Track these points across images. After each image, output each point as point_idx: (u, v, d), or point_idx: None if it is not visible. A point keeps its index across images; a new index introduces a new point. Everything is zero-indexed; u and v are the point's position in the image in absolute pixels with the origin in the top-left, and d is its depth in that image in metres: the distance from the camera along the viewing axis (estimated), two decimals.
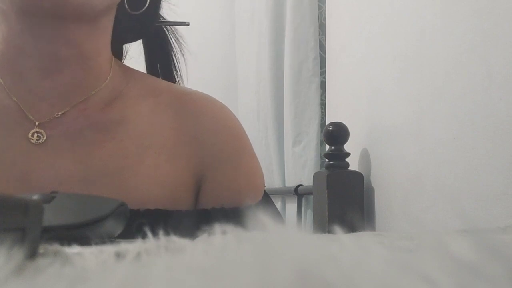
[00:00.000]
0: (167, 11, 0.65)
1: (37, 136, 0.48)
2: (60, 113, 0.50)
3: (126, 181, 0.49)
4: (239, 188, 0.54)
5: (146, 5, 0.56)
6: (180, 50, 0.64)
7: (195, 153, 0.53)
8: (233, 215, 0.50)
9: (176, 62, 0.64)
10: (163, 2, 0.61)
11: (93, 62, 0.51)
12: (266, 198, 0.58)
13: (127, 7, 0.54)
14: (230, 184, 0.54)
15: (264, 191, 0.58)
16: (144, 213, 0.47)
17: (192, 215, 0.50)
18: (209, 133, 0.54)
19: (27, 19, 0.47)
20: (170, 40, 0.63)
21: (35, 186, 0.46)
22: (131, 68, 0.59)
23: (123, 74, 0.56)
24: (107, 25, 0.53)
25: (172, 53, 0.63)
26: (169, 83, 0.60)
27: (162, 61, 0.63)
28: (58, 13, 0.46)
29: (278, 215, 0.59)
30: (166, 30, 0.63)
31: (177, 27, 0.66)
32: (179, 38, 0.64)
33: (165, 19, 0.63)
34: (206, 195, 0.53)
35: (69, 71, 0.50)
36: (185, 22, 0.66)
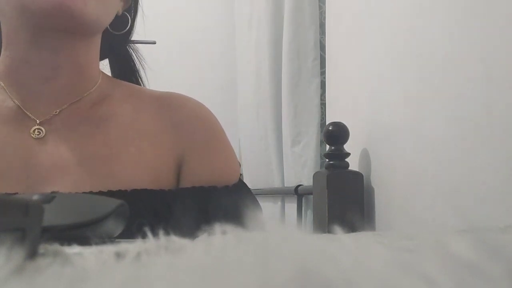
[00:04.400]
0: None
1: (38, 131, 0.56)
2: (57, 111, 0.57)
3: (113, 165, 0.56)
4: (214, 169, 0.61)
5: (128, 26, 0.66)
6: (143, 68, 0.73)
7: (175, 139, 0.60)
8: (210, 193, 0.57)
9: (140, 77, 0.73)
10: (135, 28, 0.70)
11: (86, 69, 0.60)
12: (242, 184, 0.64)
13: (109, 28, 0.63)
14: (206, 165, 0.61)
15: (240, 179, 0.64)
16: (130, 193, 0.53)
17: (174, 194, 0.57)
18: (186, 122, 0.62)
19: (38, 35, 0.55)
20: (134, 59, 0.72)
21: (35, 173, 0.53)
22: (116, 79, 0.68)
23: (109, 82, 0.64)
24: (98, 40, 0.62)
25: (136, 70, 0.73)
26: (150, 89, 0.68)
27: (128, 77, 0.71)
28: (71, 28, 0.54)
29: (254, 200, 0.64)
30: (130, 50, 0.72)
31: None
32: (140, 56, 0.73)
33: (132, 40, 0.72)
34: (185, 176, 0.60)
35: (65, 77, 0.58)
36: (151, 41, 0.73)
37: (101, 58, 0.68)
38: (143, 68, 0.73)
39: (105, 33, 0.63)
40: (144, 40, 0.73)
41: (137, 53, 0.73)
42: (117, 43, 0.68)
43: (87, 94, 0.60)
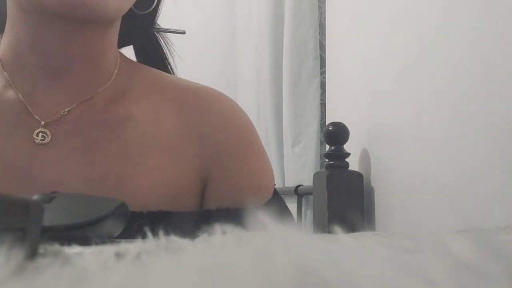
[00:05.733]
0: (168, 11, 0.65)
1: (42, 136, 0.48)
2: (66, 110, 0.49)
3: (129, 182, 0.48)
4: (245, 188, 0.52)
5: (153, 5, 0.57)
6: (171, 55, 0.63)
7: (200, 152, 0.52)
8: (238, 216, 0.48)
9: (169, 67, 0.63)
10: (161, 9, 0.61)
11: (101, 60, 0.51)
12: (275, 196, 0.56)
13: (133, 7, 0.53)
14: (235, 184, 0.52)
15: (275, 190, 0.56)
16: (146, 215, 0.46)
17: (196, 216, 0.50)
18: (214, 130, 0.53)
19: (48, 20, 0.47)
20: (161, 45, 0.63)
21: (38, 186, 0.46)
22: (136, 62, 0.59)
23: (128, 70, 0.55)
24: (117, 24, 0.53)
25: (165, 58, 0.63)
26: (174, 77, 0.59)
27: (155, 66, 0.62)
28: (89, 20, 0.47)
29: (287, 212, 0.57)
30: (157, 36, 0.63)
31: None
32: (169, 42, 0.64)
33: (160, 27, 0.63)
34: (211, 195, 0.52)
35: (77, 69, 0.50)
36: (181, 31, 0.66)
37: (125, 44, 0.61)
38: (171, 55, 0.64)
39: (128, 14, 0.53)
40: (172, 29, 0.66)
41: (165, 39, 0.64)
42: (142, 25, 0.60)
43: (101, 89, 0.51)
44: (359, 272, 0.12)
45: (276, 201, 0.55)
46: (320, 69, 1.57)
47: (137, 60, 0.62)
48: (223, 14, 2.22)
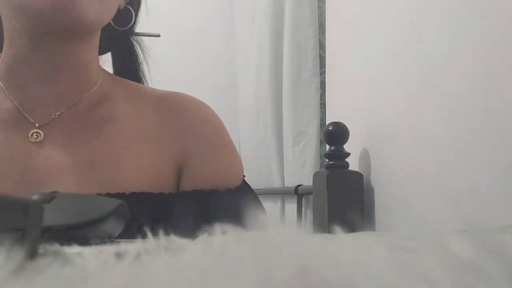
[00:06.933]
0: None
1: (36, 135, 0.55)
2: (57, 114, 0.57)
3: (113, 169, 0.55)
4: (217, 173, 0.60)
5: (132, 22, 0.65)
6: (145, 60, 0.71)
7: (177, 143, 0.60)
8: (211, 196, 0.56)
9: (142, 72, 0.71)
10: (138, 21, 0.68)
11: (85, 70, 0.59)
12: (246, 185, 0.63)
13: (113, 24, 0.61)
14: (208, 169, 0.60)
15: (244, 180, 0.63)
16: (129, 196, 0.53)
17: (174, 197, 0.57)
18: (189, 125, 0.61)
19: (37, 37, 0.55)
20: (137, 51, 0.71)
21: (33, 177, 0.53)
22: (117, 76, 0.67)
23: (110, 80, 0.63)
24: (97, 38, 0.60)
25: (139, 63, 0.71)
26: (152, 88, 0.67)
27: (130, 71, 0.70)
28: (69, 30, 0.53)
29: (257, 202, 0.63)
30: (133, 42, 0.70)
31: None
32: (144, 48, 0.72)
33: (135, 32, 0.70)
34: (187, 180, 0.59)
35: (65, 78, 0.58)
36: (155, 34, 0.71)
37: (104, 52, 0.67)
38: (146, 62, 0.71)
39: (107, 27, 0.60)
40: (147, 33, 0.71)
41: (141, 46, 0.71)
42: (120, 37, 0.67)
43: (87, 94, 0.59)
44: (359, 272, 0.12)
45: (247, 191, 0.62)
46: (320, 69, 1.57)
47: (113, 66, 0.70)
48: (223, 14, 2.23)
